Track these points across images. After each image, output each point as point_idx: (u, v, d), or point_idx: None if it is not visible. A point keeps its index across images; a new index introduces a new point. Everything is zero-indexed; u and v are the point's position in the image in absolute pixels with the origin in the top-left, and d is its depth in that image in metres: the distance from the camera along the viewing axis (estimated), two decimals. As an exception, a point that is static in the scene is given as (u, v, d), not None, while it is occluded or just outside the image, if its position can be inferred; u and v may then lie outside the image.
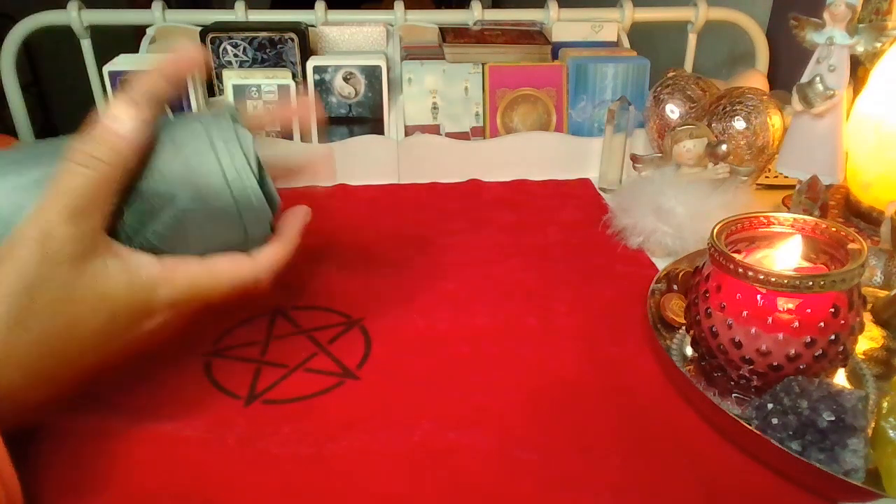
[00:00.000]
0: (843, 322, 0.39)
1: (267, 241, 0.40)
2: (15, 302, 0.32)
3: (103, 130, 0.34)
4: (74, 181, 0.33)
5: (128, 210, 0.36)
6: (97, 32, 0.85)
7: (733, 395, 0.43)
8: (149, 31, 0.83)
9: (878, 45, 0.55)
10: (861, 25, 0.56)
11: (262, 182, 0.39)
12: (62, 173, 0.33)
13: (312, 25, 0.82)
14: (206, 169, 0.37)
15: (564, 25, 0.85)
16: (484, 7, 0.87)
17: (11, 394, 0.33)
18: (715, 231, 0.43)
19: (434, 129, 0.79)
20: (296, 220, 0.42)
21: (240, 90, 0.75)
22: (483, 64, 0.78)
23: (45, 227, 0.32)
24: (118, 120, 0.34)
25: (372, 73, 0.76)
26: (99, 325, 0.34)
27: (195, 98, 0.74)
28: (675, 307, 0.49)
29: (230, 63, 0.77)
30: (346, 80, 0.76)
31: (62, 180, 0.33)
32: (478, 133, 0.80)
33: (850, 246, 0.41)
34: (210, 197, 0.37)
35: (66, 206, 0.33)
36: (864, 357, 0.46)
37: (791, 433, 0.36)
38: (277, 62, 0.78)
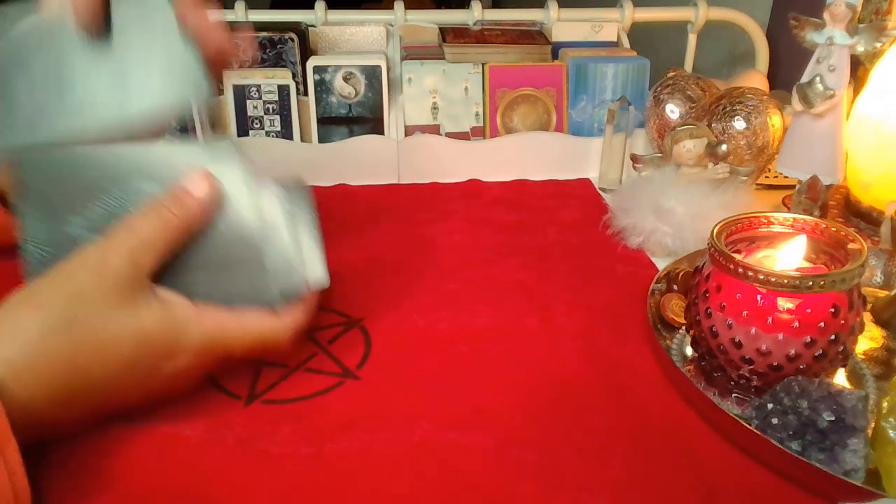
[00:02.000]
0: (843, 322, 0.39)
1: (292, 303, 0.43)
2: (57, 312, 0.35)
3: (180, 190, 0.39)
4: (142, 224, 0.38)
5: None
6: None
7: (733, 395, 0.43)
8: (149, 31, 0.83)
9: (878, 45, 0.56)
10: (861, 25, 0.56)
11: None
12: (135, 214, 0.38)
13: (312, 25, 0.82)
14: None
15: (564, 25, 0.85)
16: (484, 7, 0.87)
17: (31, 408, 0.33)
18: (715, 231, 0.43)
19: (434, 129, 0.79)
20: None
21: (240, 90, 0.75)
22: (483, 64, 0.78)
23: (105, 255, 0.36)
24: (195, 185, 0.39)
25: (372, 73, 0.76)
26: (126, 353, 0.36)
27: (195, 98, 0.74)
28: (675, 307, 0.49)
29: (230, 63, 0.77)
30: (346, 80, 0.76)
31: (133, 220, 0.38)
32: (478, 133, 0.80)
33: (850, 246, 0.41)
34: (263, 251, 0.41)
35: (129, 243, 0.37)
36: (864, 357, 0.46)
37: (791, 433, 0.36)
38: (277, 62, 0.78)
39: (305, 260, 0.42)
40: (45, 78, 0.40)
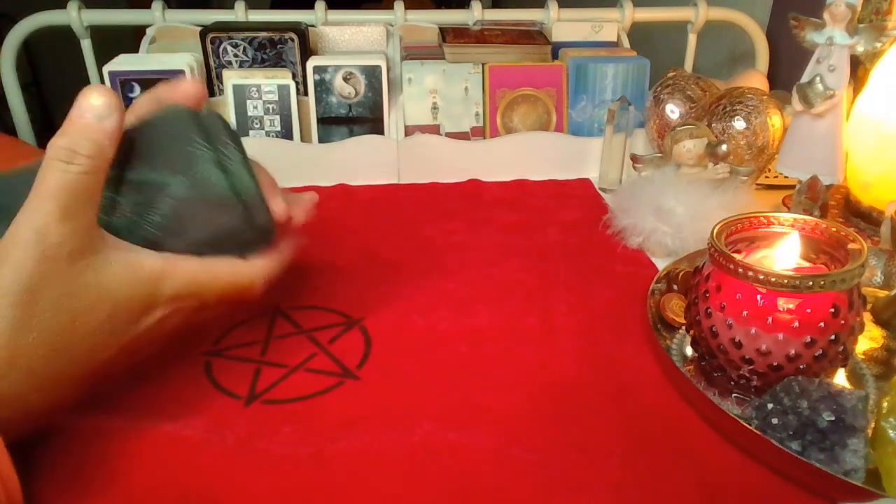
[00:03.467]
0: (843, 322, 0.39)
1: (267, 246, 0.42)
2: (17, 303, 0.32)
3: (81, 123, 0.34)
4: (60, 179, 0.33)
5: (123, 201, 0.36)
6: (97, 32, 0.85)
7: (733, 395, 0.43)
8: (149, 31, 0.83)
9: (878, 45, 0.55)
10: (861, 25, 0.56)
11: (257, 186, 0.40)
12: (46, 171, 0.33)
13: (312, 25, 0.82)
14: (198, 156, 0.37)
15: (564, 25, 0.85)
16: (484, 7, 0.87)
17: (18, 399, 0.32)
18: (715, 231, 0.43)
19: (434, 129, 0.79)
20: (299, 210, 0.44)
21: (240, 90, 0.75)
22: (483, 64, 0.78)
23: (38, 226, 0.32)
24: (94, 110, 0.34)
25: (372, 73, 0.76)
26: (101, 321, 0.34)
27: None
28: (675, 307, 0.49)
29: (230, 63, 0.77)
30: (346, 80, 0.76)
31: (47, 179, 0.33)
32: (478, 133, 0.80)
33: (850, 246, 0.41)
34: (206, 184, 0.37)
35: (56, 205, 0.32)
36: (864, 357, 0.46)
37: (791, 433, 0.36)
38: (277, 62, 0.78)
39: (263, 196, 0.40)
40: None
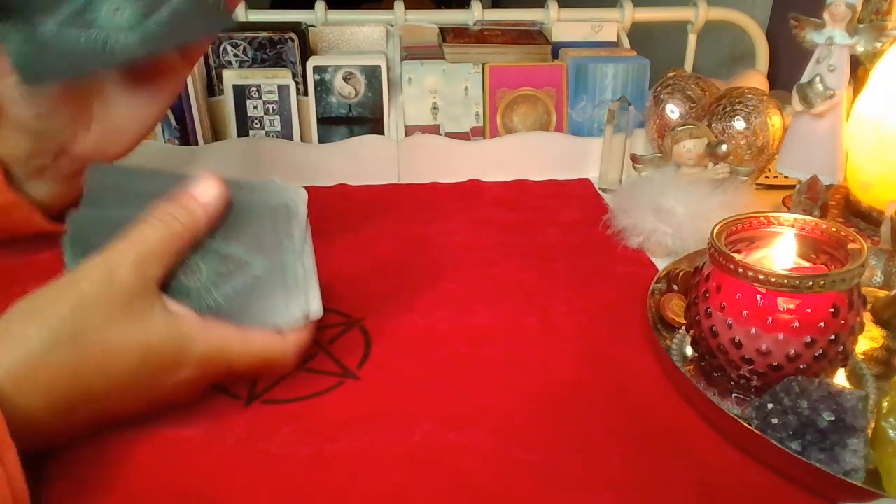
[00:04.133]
0: (843, 322, 0.39)
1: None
2: (63, 325, 0.34)
3: (185, 195, 0.38)
4: (148, 232, 0.37)
5: (206, 268, 0.39)
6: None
7: (733, 395, 0.43)
8: (149, 31, 0.83)
9: (878, 45, 0.56)
10: (861, 25, 0.56)
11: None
12: (140, 223, 0.37)
13: (312, 25, 0.82)
14: (284, 247, 0.41)
15: (564, 25, 0.85)
16: (484, 7, 0.87)
17: (29, 418, 0.33)
18: (715, 231, 0.43)
19: (434, 129, 0.79)
20: None
21: (240, 90, 0.75)
22: (483, 64, 0.78)
23: (111, 267, 0.36)
24: (200, 188, 0.39)
25: (372, 73, 0.76)
26: (129, 365, 0.36)
27: (195, 97, 0.74)
28: (675, 307, 0.49)
29: (230, 63, 0.77)
30: (346, 80, 0.76)
31: (138, 229, 0.37)
32: (478, 133, 0.80)
33: (850, 246, 0.41)
34: (282, 271, 0.41)
35: (135, 253, 0.36)
36: (864, 357, 0.46)
37: (791, 433, 0.36)
38: (277, 62, 0.78)
39: (310, 290, 0.42)
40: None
